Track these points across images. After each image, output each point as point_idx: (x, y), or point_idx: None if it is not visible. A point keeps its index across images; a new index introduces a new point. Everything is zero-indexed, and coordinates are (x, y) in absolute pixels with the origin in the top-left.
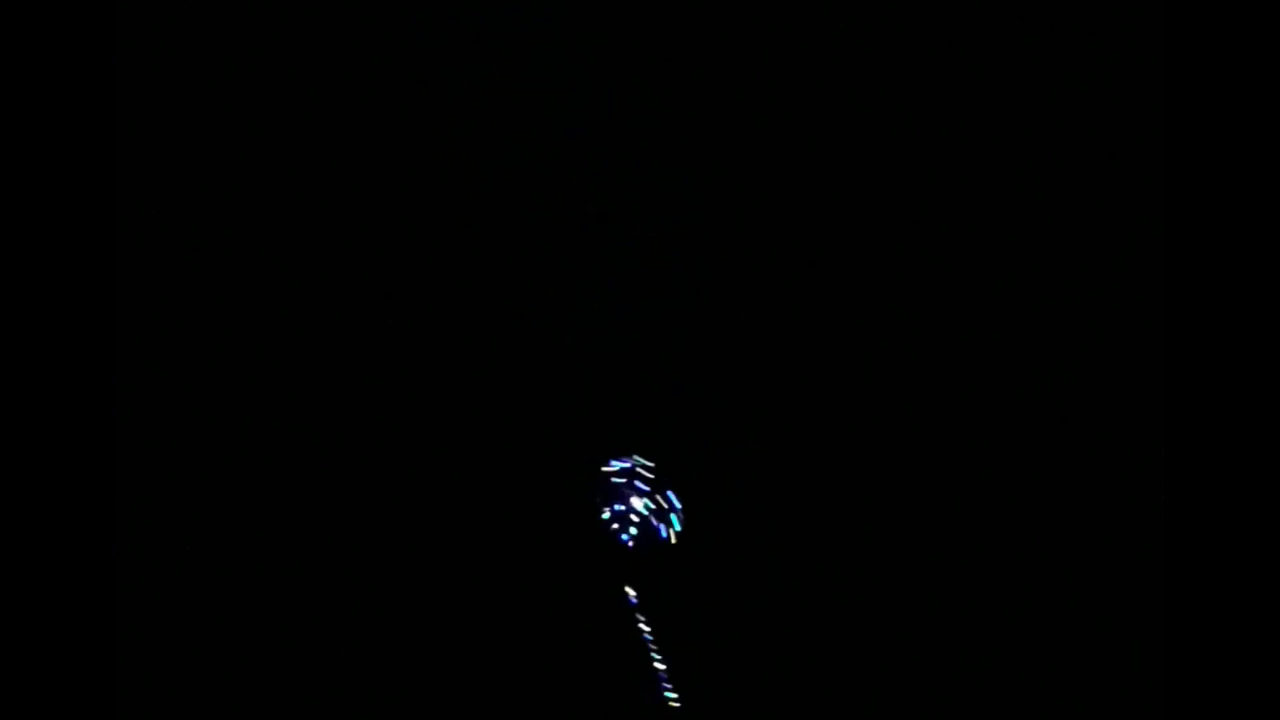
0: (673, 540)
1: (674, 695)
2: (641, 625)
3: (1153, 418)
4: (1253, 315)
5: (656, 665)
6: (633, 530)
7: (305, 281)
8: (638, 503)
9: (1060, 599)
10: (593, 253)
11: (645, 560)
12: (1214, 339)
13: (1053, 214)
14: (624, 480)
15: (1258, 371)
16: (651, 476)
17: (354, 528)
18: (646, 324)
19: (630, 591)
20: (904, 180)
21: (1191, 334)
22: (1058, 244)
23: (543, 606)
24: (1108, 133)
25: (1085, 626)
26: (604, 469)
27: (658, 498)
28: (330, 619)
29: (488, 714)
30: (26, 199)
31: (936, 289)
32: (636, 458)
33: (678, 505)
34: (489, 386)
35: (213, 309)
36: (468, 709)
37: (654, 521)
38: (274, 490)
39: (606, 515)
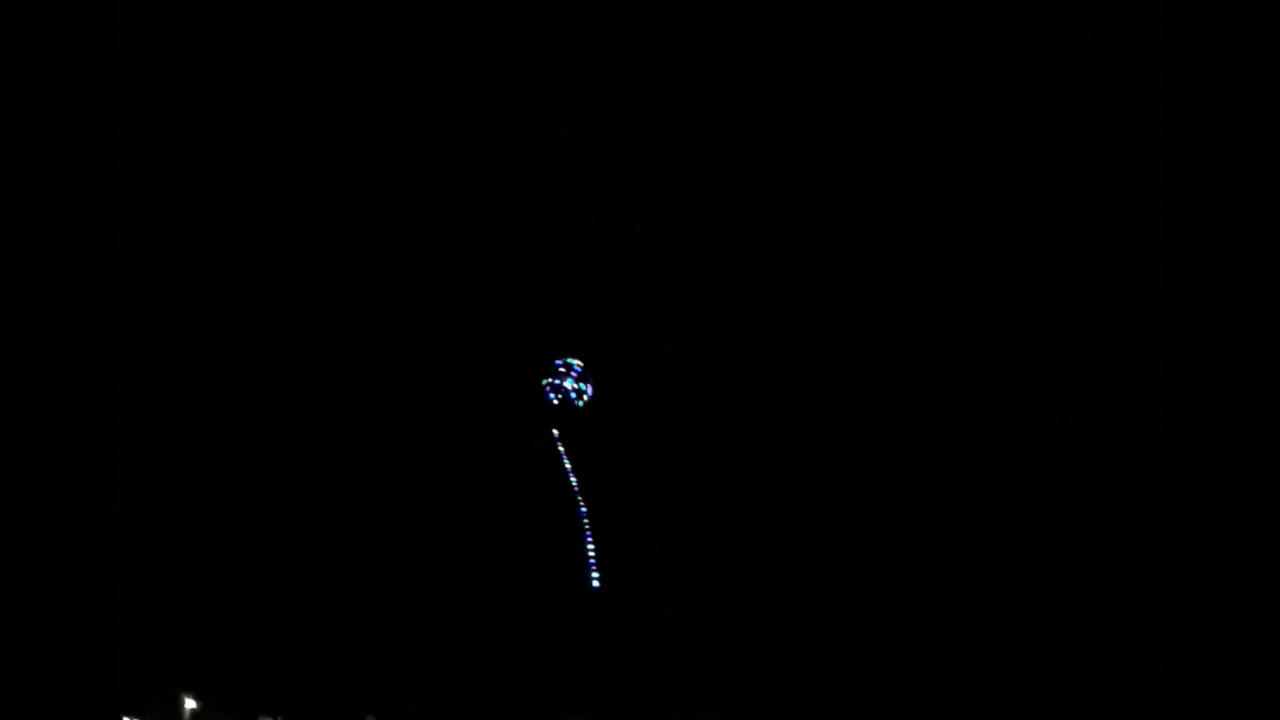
0: (581, 405)
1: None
2: (569, 470)
3: (1152, 418)
4: (1253, 315)
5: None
6: (556, 396)
7: (305, 280)
8: (569, 383)
9: (1060, 599)
10: (593, 253)
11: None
12: (1214, 339)
13: (1053, 214)
14: (562, 370)
15: (1258, 371)
16: (579, 371)
17: (352, 522)
18: (646, 324)
19: (555, 433)
20: (904, 180)
21: (1192, 334)
22: (1058, 244)
23: (533, 605)
24: (1108, 133)
25: (1085, 626)
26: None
27: (581, 384)
28: (328, 615)
29: (488, 711)
30: (27, 198)
31: (937, 289)
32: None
33: (588, 392)
34: (488, 386)
35: (212, 308)
36: (467, 706)
37: (572, 395)
38: (271, 481)
39: (545, 382)
